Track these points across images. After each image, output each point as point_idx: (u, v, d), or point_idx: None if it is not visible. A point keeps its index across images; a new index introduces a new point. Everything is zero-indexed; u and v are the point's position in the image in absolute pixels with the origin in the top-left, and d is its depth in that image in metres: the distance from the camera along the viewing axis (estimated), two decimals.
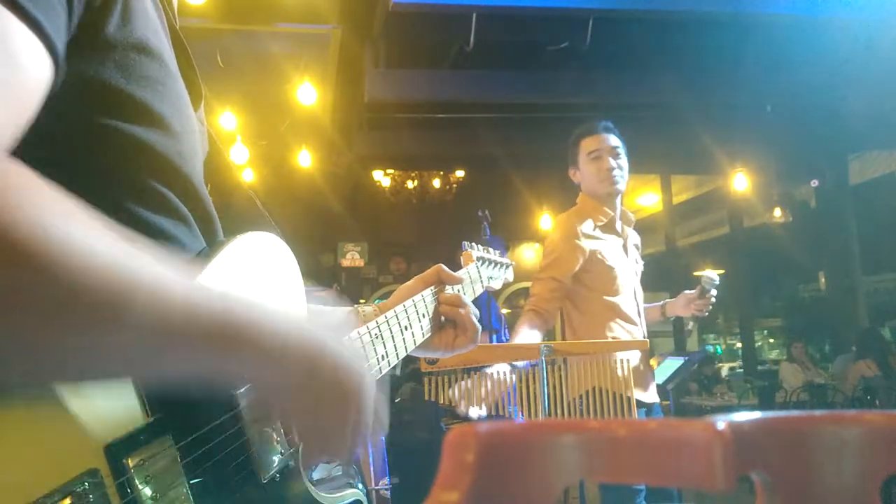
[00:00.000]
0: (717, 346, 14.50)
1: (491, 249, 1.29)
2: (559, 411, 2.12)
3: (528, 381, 2.15)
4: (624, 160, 2.44)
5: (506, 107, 6.61)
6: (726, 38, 5.52)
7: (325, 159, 7.32)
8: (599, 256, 2.36)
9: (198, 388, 0.56)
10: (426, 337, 1.00)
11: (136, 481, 0.52)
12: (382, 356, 0.89)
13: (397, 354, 0.93)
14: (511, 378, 2.15)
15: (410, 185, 8.84)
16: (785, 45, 5.43)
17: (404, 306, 0.95)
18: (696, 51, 5.70)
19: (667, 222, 8.78)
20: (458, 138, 7.03)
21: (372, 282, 9.03)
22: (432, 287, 1.03)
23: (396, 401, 5.17)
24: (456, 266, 1.14)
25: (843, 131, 6.70)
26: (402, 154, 7.36)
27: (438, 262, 1.07)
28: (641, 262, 2.60)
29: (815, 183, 7.80)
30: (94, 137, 0.60)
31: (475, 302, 1.10)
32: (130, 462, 0.52)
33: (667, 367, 3.98)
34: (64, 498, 0.47)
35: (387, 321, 0.91)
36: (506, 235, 6.36)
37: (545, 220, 8.22)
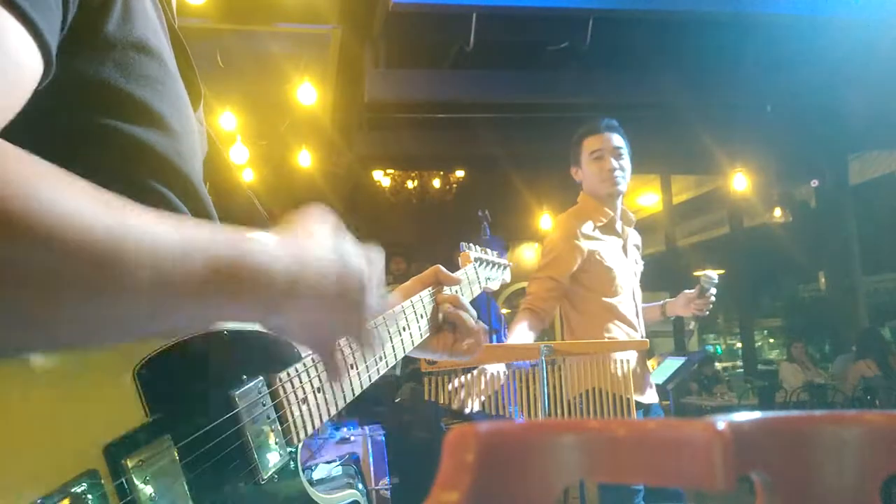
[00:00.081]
0: (717, 346, 14.49)
1: (489, 250, 1.29)
2: (558, 411, 2.12)
3: (527, 380, 2.15)
4: (627, 161, 2.43)
5: (506, 107, 6.61)
6: (726, 38, 5.53)
7: (325, 159, 7.32)
8: (598, 257, 2.36)
9: (197, 389, 0.56)
10: (424, 338, 1.00)
11: (136, 482, 0.52)
12: (381, 357, 0.89)
13: (395, 355, 0.93)
14: (510, 377, 2.15)
15: (410, 185, 8.85)
16: (785, 45, 5.44)
17: (402, 307, 0.95)
18: (696, 51, 5.70)
19: (667, 222, 8.79)
20: (458, 138, 7.03)
21: None
22: (430, 288, 1.03)
23: (396, 401, 5.17)
24: (455, 267, 1.14)
25: (843, 131, 6.70)
26: (402, 154, 7.36)
27: (438, 262, 1.07)
28: (642, 263, 2.60)
29: (815, 183, 7.80)
30: (94, 137, 0.60)
31: (474, 303, 1.10)
32: (129, 463, 0.52)
33: (667, 367, 3.98)
34: (63, 499, 0.47)
35: (385, 322, 0.91)
36: (506, 235, 6.36)
37: (545, 220, 8.22)
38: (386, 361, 0.91)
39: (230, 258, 0.52)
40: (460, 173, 8.70)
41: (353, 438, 3.58)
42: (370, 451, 3.54)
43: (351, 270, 0.61)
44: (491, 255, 1.28)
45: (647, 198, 10.15)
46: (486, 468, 0.29)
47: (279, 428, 0.71)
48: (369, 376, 0.87)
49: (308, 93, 5.49)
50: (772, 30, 5.39)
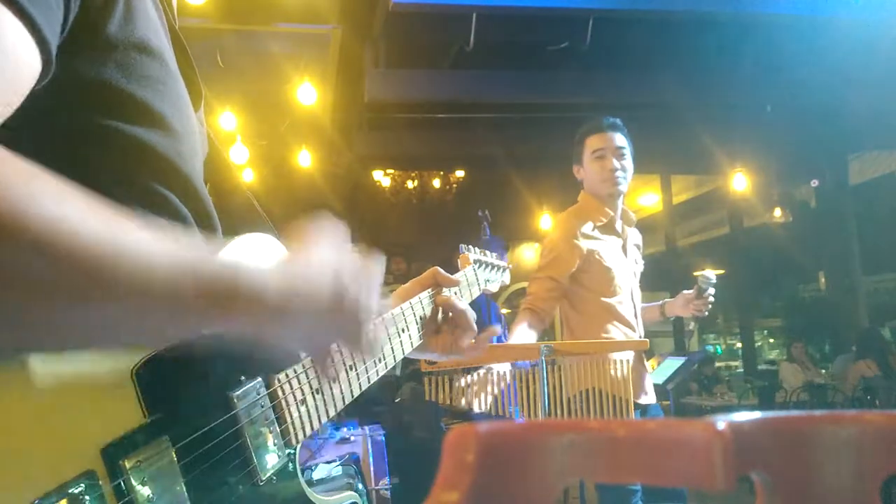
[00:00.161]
0: (717, 346, 14.49)
1: (488, 252, 1.29)
2: (558, 411, 2.12)
3: (527, 380, 2.15)
4: (629, 161, 2.42)
5: (506, 107, 6.61)
6: (726, 38, 5.53)
7: (325, 159, 7.32)
8: (597, 257, 2.35)
9: (195, 390, 0.56)
10: (423, 339, 1.00)
11: (133, 482, 0.52)
12: (380, 359, 0.89)
13: (395, 357, 0.93)
14: (510, 376, 2.15)
15: (410, 185, 8.85)
16: (785, 45, 5.44)
17: (401, 309, 0.95)
18: (696, 51, 5.70)
19: (667, 222, 8.79)
20: (458, 138, 7.03)
21: None
22: (429, 290, 1.03)
23: (396, 401, 5.17)
24: (454, 268, 1.14)
25: (843, 131, 6.70)
26: (402, 154, 7.36)
27: (438, 262, 1.07)
28: (642, 262, 2.60)
29: (815, 183, 7.81)
30: (95, 138, 0.60)
31: (473, 304, 1.10)
32: (127, 464, 0.52)
33: (667, 368, 3.98)
34: (60, 499, 0.47)
35: (384, 323, 0.91)
36: (506, 235, 6.36)
37: (545, 220, 8.22)
38: (385, 363, 0.91)
39: (222, 272, 0.52)
40: (460, 173, 8.70)
41: (353, 438, 3.58)
42: (370, 451, 3.54)
43: (346, 286, 0.62)
44: (490, 257, 1.28)
45: (647, 198, 10.15)
46: (486, 468, 0.29)
47: (278, 429, 0.71)
48: (368, 378, 0.87)
49: (308, 93, 5.49)
50: (772, 30, 5.40)
